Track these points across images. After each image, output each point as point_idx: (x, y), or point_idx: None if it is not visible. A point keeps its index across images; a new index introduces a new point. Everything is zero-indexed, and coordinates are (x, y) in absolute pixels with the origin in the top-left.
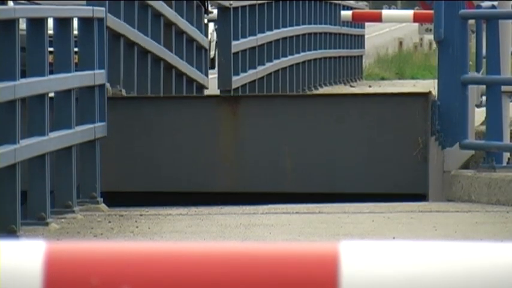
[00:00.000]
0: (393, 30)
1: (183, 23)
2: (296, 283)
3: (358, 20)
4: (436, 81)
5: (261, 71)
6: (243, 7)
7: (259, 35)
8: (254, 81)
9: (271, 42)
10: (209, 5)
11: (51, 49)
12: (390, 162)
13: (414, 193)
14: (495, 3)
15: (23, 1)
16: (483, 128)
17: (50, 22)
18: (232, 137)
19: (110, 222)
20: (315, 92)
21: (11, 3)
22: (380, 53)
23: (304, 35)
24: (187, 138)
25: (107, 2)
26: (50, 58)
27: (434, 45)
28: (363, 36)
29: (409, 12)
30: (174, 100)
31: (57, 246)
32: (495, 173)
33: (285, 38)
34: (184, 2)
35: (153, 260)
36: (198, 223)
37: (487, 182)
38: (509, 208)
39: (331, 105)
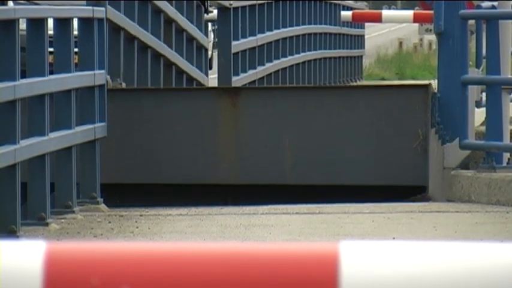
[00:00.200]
0: (393, 30)
1: (183, 21)
2: (296, 283)
3: (358, 21)
4: (436, 81)
5: (261, 71)
6: (243, 7)
7: (259, 35)
8: (254, 81)
9: (271, 42)
10: (209, 5)
11: (51, 49)
12: (390, 154)
13: (414, 185)
14: (495, 3)
15: (22, 1)
16: (483, 128)
17: (50, 22)
18: (232, 129)
19: (110, 222)
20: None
21: (11, 3)
22: (380, 53)
23: (304, 35)
24: (187, 130)
25: (107, 2)
26: (50, 58)
27: (434, 46)
28: (362, 36)
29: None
30: (174, 92)
31: (57, 246)
32: (495, 173)
33: (285, 38)
34: (185, 1)
35: (153, 260)
36: (198, 223)
37: (487, 182)
38: (509, 208)
39: (331, 97)
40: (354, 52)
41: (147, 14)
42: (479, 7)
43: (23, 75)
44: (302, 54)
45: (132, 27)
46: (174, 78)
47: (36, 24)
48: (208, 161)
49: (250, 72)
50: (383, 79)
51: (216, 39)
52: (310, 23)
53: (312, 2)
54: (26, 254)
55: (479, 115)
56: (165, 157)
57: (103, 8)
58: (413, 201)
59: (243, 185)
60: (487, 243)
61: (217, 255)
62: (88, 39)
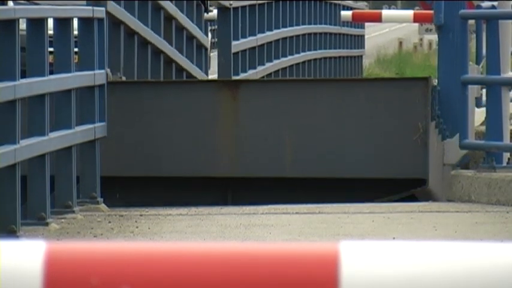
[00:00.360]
0: (393, 30)
1: (183, 19)
2: (296, 283)
3: (358, 20)
4: (436, 80)
5: (261, 71)
6: (243, 7)
7: (259, 35)
8: None
9: (271, 42)
10: (209, 4)
11: (51, 49)
12: (390, 147)
13: (414, 178)
14: (495, 3)
15: (22, 1)
16: (483, 128)
17: (50, 22)
18: (232, 122)
19: (110, 222)
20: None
21: (11, 3)
22: (380, 53)
23: (304, 35)
24: (187, 122)
25: (107, 2)
26: (50, 58)
27: (434, 45)
28: (362, 36)
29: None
30: (174, 85)
31: (57, 246)
32: (495, 173)
33: (285, 38)
34: (185, 0)
35: (153, 260)
36: (198, 223)
37: (487, 182)
38: (509, 208)
39: (331, 90)
40: (354, 52)
41: (147, 10)
42: (479, 7)
43: (23, 76)
44: (302, 54)
45: (133, 22)
46: (174, 75)
47: (36, 24)
48: (208, 154)
49: (250, 72)
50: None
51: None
52: (310, 23)
53: (312, 2)
54: (26, 254)
55: (479, 115)
56: (164, 150)
57: (103, 8)
58: (414, 194)
59: (243, 178)
60: (487, 243)
61: (217, 255)
62: (88, 39)
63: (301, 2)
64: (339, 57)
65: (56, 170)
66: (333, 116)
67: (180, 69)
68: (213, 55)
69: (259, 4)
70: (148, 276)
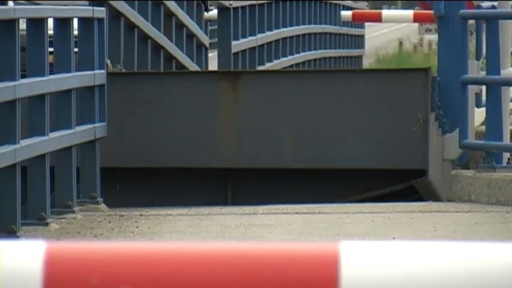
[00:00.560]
0: (393, 30)
1: (183, 16)
2: (296, 283)
3: (358, 20)
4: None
5: None
6: (243, 7)
7: (259, 35)
8: None
9: (271, 42)
10: (209, 4)
11: (50, 49)
12: (390, 137)
13: (414, 168)
14: (495, 3)
15: (22, 1)
16: (483, 128)
17: (50, 22)
18: (233, 113)
19: (110, 222)
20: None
21: (11, 3)
22: (380, 53)
23: (304, 35)
24: (187, 113)
25: (107, 9)
26: (50, 58)
27: (434, 46)
28: (362, 36)
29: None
30: (174, 76)
31: (57, 246)
32: (495, 173)
33: (285, 38)
34: (185, 0)
35: (153, 260)
36: (198, 223)
37: (487, 182)
38: (509, 208)
39: (331, 81)
40: (354, 52)
41: (147, 4)
42: (479, 7)
43: (23, 76)
44: (302, 54)
45: (133, 15)
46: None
47: (36, 24)
48: (208, 145)
49: None
50: None
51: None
52: (310, 23)
53: (312, 2)
54: (26, 254)
55: (479, 115)
56: (165, 141)
57: (103, 8)
58: (413, 185)
59: (243, 169)
60: (487, 243)
61: (217, 255)
62: (88, 39)
63: (301, 2)
64: (339, 57)
65: (56, 170)
66: (333, 106)
67: (181, 67)
68: (212, 55)
69: (259, 4)
70: (148, 276)
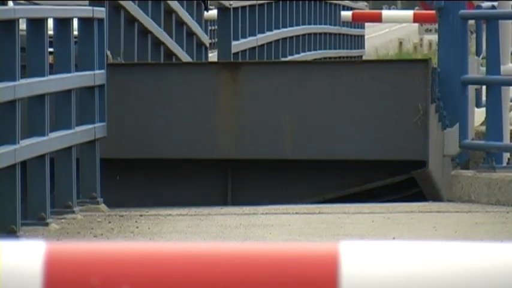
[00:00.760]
0: (393, 30)
1: (183, 13)
2: (296, 283)
3: (358, 21)
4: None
5: None
6: (243, 7)
7: (259, 35)
8: None
9: (271, 42)
10: (209, 4)
11: (50, 49)
12: (390, 128)
13: (414, 159)
14: (495, 3)
15: (22, 1)
16: (483, 128)
17: (50, 22)
18: (233, 104)
19: (110, 222)
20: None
21: (11, 3)
22: (380, 53)
23: (304, 35)
24: (187, 104)
25: (107, 2)
26: (50, 58)
27: (434, 46)
28: (362, 36)
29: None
30: (174, 67)
31: (57, 246)
32: (495, 173)
33: (285, 38)
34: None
35: (153, 260)
36: (198, 223)
37: (487, 182)
38: (509, 208)
39: (331, 72)
40: (354, 52)
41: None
42: (479, 7)
43: (23, 76)
44: (302, 54)
45: (133, 8)
46: None
47: (36, 24)
48: (208, 136)
49: None
50: None
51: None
52: (310, 23)
53: (312, 2)
54: (26, 254)
55: (479, 115)
56: (164, 132)
57: (103, 8)
58: (413, 176)
59: (243, 160)
60: (487, 243)
61: (217, 255)
62: (88, 39)
63: (301, 2)
64: (339, 57)
65: (56, 170)
66: (333, 97)
67: None
68: (212, 55)
69: (259, 4)
70: (148, 276)
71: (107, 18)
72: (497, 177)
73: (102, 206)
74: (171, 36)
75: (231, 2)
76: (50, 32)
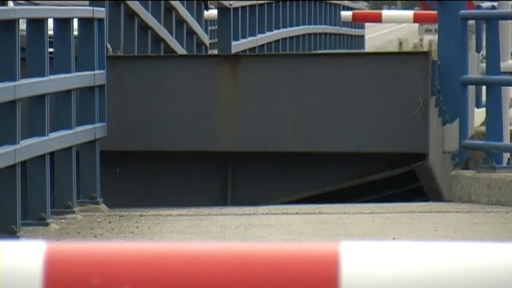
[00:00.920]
0: (393, 30)
1: (183, 11)
2: (296, 283)
3: (358, 21)
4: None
5: None
6: (243, 7)
7: (259, 35)
8: None
9: (271, 42)
10: (209, 3)
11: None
12: (390, 121)
13: (414, 152)
14: (495, 3)
15: (22, 1)
16: (483, 128)
17: (50, 22)
18: (233, 96)
19: (110, 222)
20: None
21: (11, 3)
22: None
23: (304, 35)
24: (187, 97)
25: (107, 2)
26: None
27: (434, 46)
28: (362, 36)
29: (409, 13)
30: (174, 59)
31: (57, 246)
32: (495, 173)
33: (285, 38)
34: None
35: (153, 260)
36: (198, 223)
37: (487, 182)
38: (509, 208)
39: (332, 64)
40: (354, 52)
41: None
42: (479, 7)
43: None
44: None
45: (133, 3)
46: None
47: (36, 24)
48: (208, 129)
49: None
50: None
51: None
52: (310, 23)
53: (312, 2)
54: (26, 254)
55: (479, 115)
56: (164, 124)
57: (103, 8)
58: (414, 168)
59: (243, 153)
60: (487, 243)
61: (217, 255)
62: (88, 39)
63: (301, 2)
64: None
65: (56, 170)
66: (333, 90)
67: None
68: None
69: (259, 4)
70: (148, 276)
71: (107, 12)
72: (497, 177)
73: (102, 206)
74: (171, 34)
75: (231, 2)
76: (50, 32)
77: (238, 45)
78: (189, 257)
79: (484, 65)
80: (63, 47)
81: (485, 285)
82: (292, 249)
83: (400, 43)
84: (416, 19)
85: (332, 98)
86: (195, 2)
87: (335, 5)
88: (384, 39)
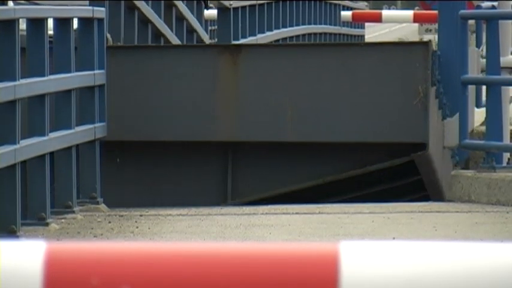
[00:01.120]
0: (393, 30)
1: (183, 8)
2: (296, 283)
3: (358, 20)
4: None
5: None
6: (243, 7)
7: (259, 35)
8: None
9: (271, 42)
10: (209, 2)
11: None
12: (390, 111)
13: (415, 142)
14: (495, 3)
15: (22, 1)
16: (483, 128)
17: (50, 22)
18: (233, 86)
19: (110, 222)
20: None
21: (11, 3)
22: None
23: (304, 35)
24: (188, 87)
25: (107, 2)
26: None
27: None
28: (362, 36)
29: (409, 13)
30: (175, 49)
31: (57, 246)
32: (495, 173)
33: (285, 38)
34: None
35: (153, 260)
36: (198, 223)
37: (487, 182)
38: (509, 208)
39: (332, 54)
40: None
41: None
42: (479, 7)
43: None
44: None
45: None
46: None
47: (36, 24)
48: (208, 119)
49: None
50: None
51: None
52: (310, 23)
53: (312, 2)
54: (26, 254)
55: (479, 115)
56: (164, 114)
57: (103, 8)
58: (414, 158)
59: (243, 143)
60: (487, 243)
61: (217, 255)
62: (88, 39)
63: (301, 2)
64: None
65: (56, 170)
66: (333, 80)
67: None
68: None
69: (259, 4)
70: (148, 276)
71: (107, 4)
72: (497, 177)
73: (102, 206)
74: (171, 30)
75: (231, 2)
76: (50, 32)
77: None
78: (189, 257)
79: (484, 60)
80: (63, 47)
81: (485, 285)
82: (292, 249)
83: None
84: (416, 19)
85: (332, 88)
86: (195, 1)
87: (335, 4)
88: (383, 39)
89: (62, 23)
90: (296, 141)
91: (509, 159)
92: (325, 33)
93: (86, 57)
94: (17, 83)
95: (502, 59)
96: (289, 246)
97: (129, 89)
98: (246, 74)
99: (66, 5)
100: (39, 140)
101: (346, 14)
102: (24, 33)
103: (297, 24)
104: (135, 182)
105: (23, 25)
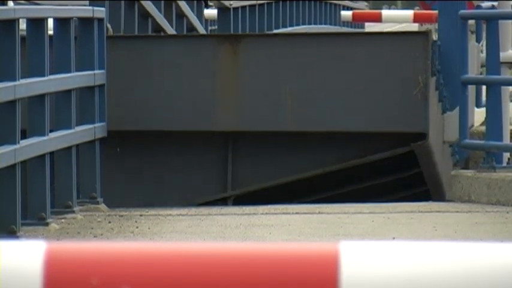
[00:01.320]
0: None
1: (183, 5)
2: (296, 283)
3: (358, 20)
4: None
5: None
6: (243, 7)
7: None
8: None
9: None
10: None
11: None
12: (390, 101)
13: (414, 132)
14: (495, 3)
15: (22, 1)
16: (483, 128)
17: (50, 22)
18: (233, 76)
19: (110, 222)
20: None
21: (11, 3)
22: None
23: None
24: (188, 77)
25: (107, 2)
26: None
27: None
28: None
29: (409, 12)
30: (175, 39)
31: (57, 246)
32: (495, 173)
33: None
34: None
35: (153, 260)
36: (198, 223)
37: (487, 182)
38: (509, 208)
39: (332, 44)
40: None
41: None
42: (479, 7)
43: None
44: None
45: None
46: None
47: (36, 24)
48: (208, 108)
49: None
50: None
51: None
52: (310, 23)
53: (312, 2)
54: (26, 254)
55: (479, 115)
56: (165, 104)
57: (103, 8)
58: (414, 149)
59: (244, 132)
60: (487, 243)
61: (217, 255)
62: (88, 39)
63: (301, 2)
64: None
65: (56, 170)
66: (333, 70)
67: None
68: None
69: (259, 4)
70: (148, 276)
71: (107, 4)
72: (497, 177)
73: (102, 206)
74: (171, 26)
75: (231, 2)
76: (50, 32)
77: None
78: (189, 257)
79: (483, 55)
80: (63, 47)
81: (485, 285)
82: (292, 249)
83: None
84: (416, 19)
85: (332, 77)
86: (195, 0)
87: (335, 4)
88: None
89: (62, 23)
90: (296, 130)
91: (509, 159)
92: None
93: (86, 57)
94: (17, 83)
95: (501, 54)
96: (289, 246)
97: (130, 79)
98: (246, 63)
99: (66, 5)
100: (39, 140)
101: (346, 14)
102: (24, 33)
103: (297, 24)
104: (136, 171)
105: (23, 25)
